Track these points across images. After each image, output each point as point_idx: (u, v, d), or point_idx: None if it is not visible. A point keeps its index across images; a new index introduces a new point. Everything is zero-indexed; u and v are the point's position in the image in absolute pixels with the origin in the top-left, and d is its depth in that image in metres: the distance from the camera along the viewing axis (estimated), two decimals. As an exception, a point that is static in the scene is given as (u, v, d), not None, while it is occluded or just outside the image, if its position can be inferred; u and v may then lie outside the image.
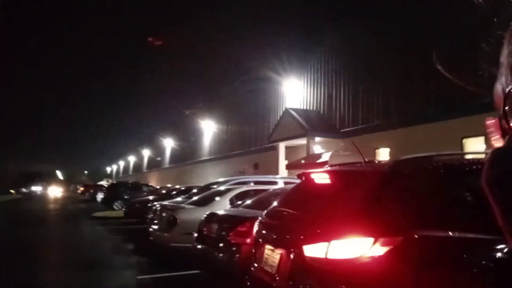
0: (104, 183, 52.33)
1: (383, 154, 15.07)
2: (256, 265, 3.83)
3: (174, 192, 15.56)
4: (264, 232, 3.92)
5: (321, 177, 3.75)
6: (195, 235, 6.54)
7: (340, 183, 3.57)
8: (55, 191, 68.60)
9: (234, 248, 5.27)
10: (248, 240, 5.17)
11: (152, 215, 9.93)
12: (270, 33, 24.08)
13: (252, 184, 11.13)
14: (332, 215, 3.21)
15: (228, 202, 8.41)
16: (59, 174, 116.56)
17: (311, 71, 20.86)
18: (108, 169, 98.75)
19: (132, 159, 68.11)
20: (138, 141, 61.19)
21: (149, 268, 7.97)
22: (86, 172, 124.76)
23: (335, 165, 4.50)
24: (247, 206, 6.78)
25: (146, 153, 56.60)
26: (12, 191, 59.58)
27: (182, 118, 36.65)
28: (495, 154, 0.52)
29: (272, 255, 3.48)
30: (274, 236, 3.67)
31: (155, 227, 9.09)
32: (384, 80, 15.46)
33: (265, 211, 4.28)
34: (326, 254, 2.87)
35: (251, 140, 26.43)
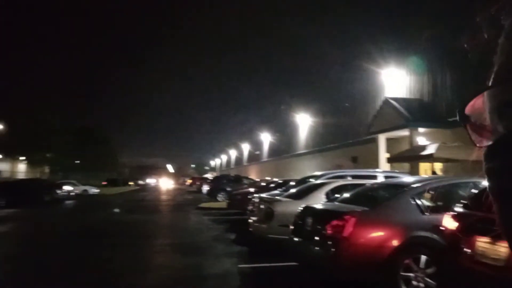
0: (209, 176, 55.60)
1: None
2: (467, 256, 3.80)
3: (272, 185, 15.95)
4: (472, 224, 3.85)
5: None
6: (291, 227, 6.66)
7: None
8: (166, 183, 74.82)
9: (329, 242, 5.25)
10: (344, 235, 5.12)
11: (251, 207, 10.31)
12: (368, 21, 23.13)
13: (349, 178, 10.91)
14: None
15: (324, 196, 8.38)
16: (170, 167, 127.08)
17: (411, 58, 19.52)
18: (212, 163, 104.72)
19: (233, 153, 71.23)
20: (238, 135, 63.84)
21: (249, 258, 8.32)
22: (193, 165, 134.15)
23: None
24: (344, 201, 6.69)
25: (246, 147, 58.71)
26: (130, 183, 66.62)
27: (279, 112, 37.26)
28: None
29: (493, 248, 3.46)
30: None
31: (254, 218, 9.45)
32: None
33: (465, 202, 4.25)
34: None
35: (349, 133, 25.74)
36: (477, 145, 0.48)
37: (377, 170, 13.10)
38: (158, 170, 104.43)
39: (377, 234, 5.28)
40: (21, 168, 55.44)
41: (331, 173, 12.63)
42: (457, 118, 0.47)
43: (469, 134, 0.49)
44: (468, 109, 0.49)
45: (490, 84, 0.48)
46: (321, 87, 29.14)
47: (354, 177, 10.95)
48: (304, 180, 12.33)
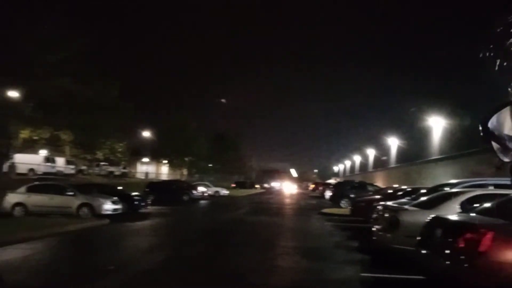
0: (332, 181, 55.05)
1: None
2: None
3: (400, 193, 15.08)
4: None
5: None
6: (418, 238, 6.22)
7: None
8: (289, 187, 76.35)
9: (462, 257, 4.77)
10: (480, 249, 4.60)
11: (376, 215, 9.92)
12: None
13: (491, 187, 9.72)
14: None
15: (458, 206, 7.62)
16: (293, 172, 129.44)
17: None
18: (336, 168, 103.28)
19: (357, 158, 69.21)
20: (363, 140, 61.75)
21: (371, 267, 8.02)
22: (316, 170, 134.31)
23: None
24: (482, 212, 6.01)
25: (371, 152, 56.47)
26: (257, 186, 69.85)
27: (407, 115, 34.93)
28: None
29: None
30: None
31: (378, 227, 9.06)
32: None
33: None
34: None
35: (492, 137, 22.75)
36: (504, 159, 0.46)
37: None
38: (282, 174, 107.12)
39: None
40: (164, 170, 62.59)
41: (469, 181, 11.45)
42: (480, 133, 0.45)
43: (493, 148, 0.47)
44: (491, 124, 0.47)
45: None
46: (457, 82, 26.39)
47: (496, 186, 9.71)
48: (437, 188, 11.41)
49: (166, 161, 61.30)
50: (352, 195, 22.48)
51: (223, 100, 73.97)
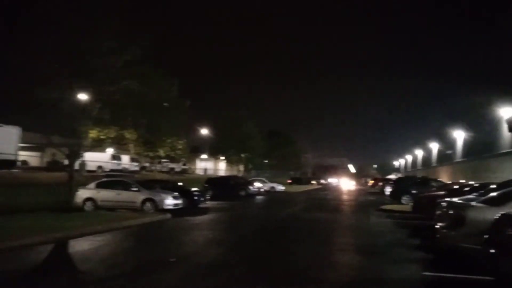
0: (392, 176, 53.11)
1: None
2: None
3: (466, 189, 14.28)
4: None
5: None
6: (486, 236, 5.85)
7: None
8: (347, 183, 74.80)
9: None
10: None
11: (439, 212, 9.47)
12: None
13: None
14: None
15: (531, 203, 7.05)
16: (351, 167, 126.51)
17: None
18: (396, 163, 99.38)
19: (419, 153, 66.10)
20: (425, 134, 58.90)
21: (434, 266, 7.66)
22: (375, 166, 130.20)
23: None
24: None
25: (434, 146, 53.65)
26: (313, 181, 69.18)
27: (475, 106, 32.71)
28: None
29: None
30: None
31: (442, 224, 8.64)
32: None
33: None
34: None
35: None
36: None
37: None
38: (339, 170, 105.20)
39: None
40: (221, 166, 64.02)
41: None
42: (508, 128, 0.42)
43: None
44: None
45: None
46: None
47: None
48: (508, 183, 10.62)
49: (223, 158, 62.66)
50: (414, 191, 21.60)
51: None
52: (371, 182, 57.91)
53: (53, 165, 32.36)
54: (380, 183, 43.10)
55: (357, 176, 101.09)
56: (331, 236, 11.84)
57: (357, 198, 33.26)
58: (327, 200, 28.78)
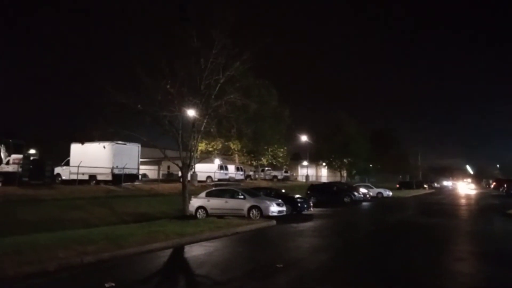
0: (519, 177, 46.96)
1: None
2: None
3: None
4: None
5: None
6: None
7: None
8: (465, 186, 68.16)
9: None
10: None
11: None
12: None
13: None
14: None
15: None
16: (469, 168, 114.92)
17: None
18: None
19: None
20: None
21: None
22: (498, 165, 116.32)
23: None
24: None
25: None
26: (425, 185, 64.39)
27: None
28: None
29: None
30: None
31: None
32: None
33: None
34: None
35: None
36: None
37: None
38: (455, 172, 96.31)
39: None
40: (323, 173, 63.29)
41: None
42: None
43: None
44: None
45: None
46: None
47: None
48: None
49: (324, 164, 61.86)
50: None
51: None
52: (493, 183, 52.11)
53: (168, 177, 35.49)
54: (505, 185, 38.59)
55: (476, 178, 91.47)
56: (448, 242, 10.91)
57: (478, 202, 30.07)
58: (442, 205, 26.55)
